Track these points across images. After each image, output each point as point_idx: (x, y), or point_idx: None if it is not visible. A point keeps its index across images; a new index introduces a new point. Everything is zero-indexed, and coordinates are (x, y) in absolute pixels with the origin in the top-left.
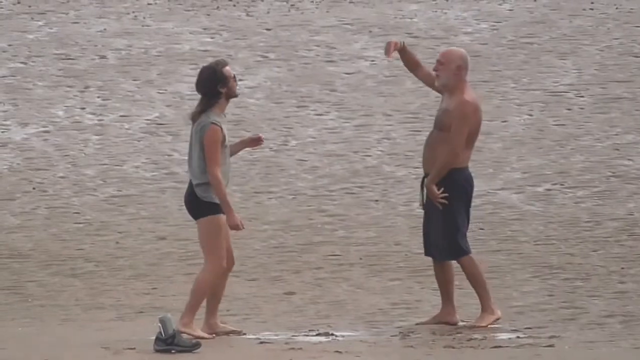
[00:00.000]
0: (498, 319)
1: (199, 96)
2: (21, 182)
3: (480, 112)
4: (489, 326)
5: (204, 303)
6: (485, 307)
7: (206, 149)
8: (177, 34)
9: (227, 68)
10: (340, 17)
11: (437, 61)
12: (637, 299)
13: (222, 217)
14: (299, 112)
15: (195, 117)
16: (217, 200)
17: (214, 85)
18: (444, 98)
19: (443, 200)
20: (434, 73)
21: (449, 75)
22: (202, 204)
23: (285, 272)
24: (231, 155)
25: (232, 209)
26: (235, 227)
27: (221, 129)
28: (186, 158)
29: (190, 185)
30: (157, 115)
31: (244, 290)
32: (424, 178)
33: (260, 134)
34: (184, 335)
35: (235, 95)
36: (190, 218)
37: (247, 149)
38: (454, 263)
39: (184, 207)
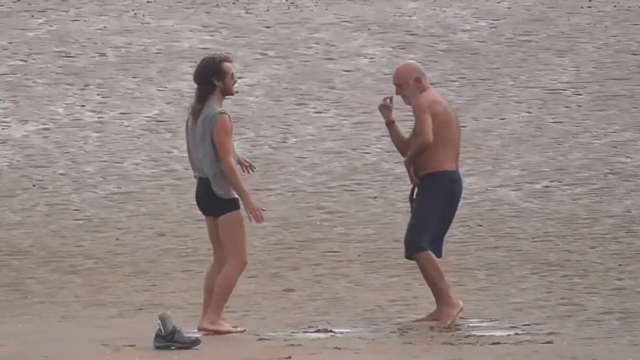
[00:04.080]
0: (460, 310)
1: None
2: (21, 179)
3: (443, 105)
4: (453, 321)
5: (201, 299)
6: (446, 302)
7: (219, 138)
8: (177, 31)
9: (228, 64)
10: (339, 15)
11: (395, 85)
12: (634, 296)
13: (242, 212)
14: (298, 110)
15: (196, 111)
16: (235, 195)
17: (209, 76)
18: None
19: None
20: (399, 96)
21: (412, 91)
22: (221, 201)
23: (284, 268)
24: None
25: (249, 196)
26: (254, 211)
27: (230, 118)
28: (185, 155)
29: (203, 183)
30: (156, 112)
31: (243, 287)
32: (413, 188)
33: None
34: (186, 334)
35: (231, 93)
36: (192, 215)
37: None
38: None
39: (196, 204)
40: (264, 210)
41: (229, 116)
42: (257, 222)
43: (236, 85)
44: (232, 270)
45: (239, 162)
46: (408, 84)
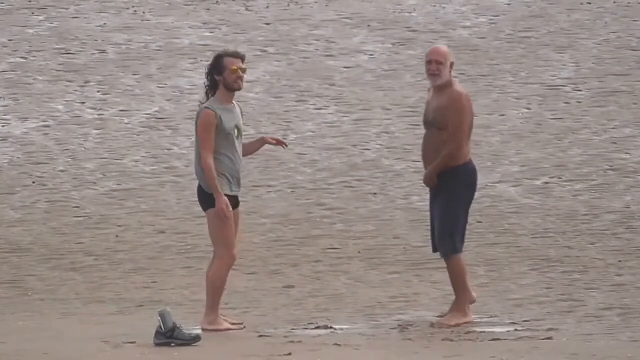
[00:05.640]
0: (468, 322)
1: (199, 89)
2: (21, 176)
3: (472, 102)
4: (456, 325)
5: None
6: (460, 307)
7: (199, 133)
8: (177, 28)
9: (231, 59)
10: (339, 11)
11: (435, 61)
12: (634, 292)
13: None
14: (298, 106)
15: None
16: (226, 191)
17: (211, 71)
18: (432, 96)
19: (435, 183)
20: (429, 74)
21: (447, 73)
22: (208, 195)
23: (284, 265)
24: (249, 153)
25: (220, 194)
26: (221, 209)
27: (215, 113)
28: (184, 152)
29: None
30: (156, 109)
31: (242, 283)
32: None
33: (282, 141)
34: (193, 331)
35: (234, 88)
36: (192, 212)
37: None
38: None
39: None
40: (230, 210)
41: (214, 112)
42: (222, 217)
43: (241, 80)
44: (220, 267)
45: (267, 142)
46: (446, 65)
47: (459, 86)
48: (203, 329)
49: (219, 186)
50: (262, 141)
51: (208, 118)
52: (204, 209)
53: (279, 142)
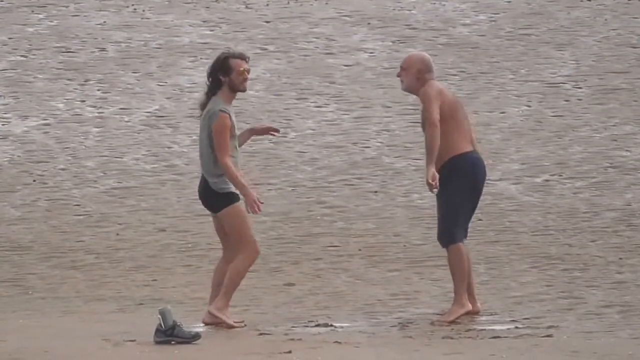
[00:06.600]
0: (468, 312)
1: (199, 87)
2: (22, 175)
3: (448, 96)
4: (455, 319)
5: (211, 291)
6: (458, 299)
7: (215, 137)
8: (177, 26)
9: (238, 61)
10: (339, 9)
11: (400, 67)
12: (635, 289)
13: (242, 204)
14: (298, 104)
15: (202, 105)
16: (232, 189)
17: (216, 72)
18: None
19: (436, 187)
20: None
21: (411, 79)
22: (220, 196)
23: (284, 263)
24: (239, 145)
25: (247, 189)
26: (250, 204)
27: (230, 116)
28: (185, 150)
29: (203, 178)
30: (157, 107)
31: (243, 281)
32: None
33: (273, 128)
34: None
35: (240, 90)
36: (192, 210)
37: (255, 137)
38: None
39: (200, 200)
40: (262, 202)
41: (229, 115)
42: (253, 213)
43: (246, 82)
44: (244, 261)
45: (257, 132)
46: (411, 71)
47: (430, 83)
48: (209, 313)
49: (242, 181)
50: (252, 132)
51: (224, 121)
52: (216, 211)
53: (269, 130)
